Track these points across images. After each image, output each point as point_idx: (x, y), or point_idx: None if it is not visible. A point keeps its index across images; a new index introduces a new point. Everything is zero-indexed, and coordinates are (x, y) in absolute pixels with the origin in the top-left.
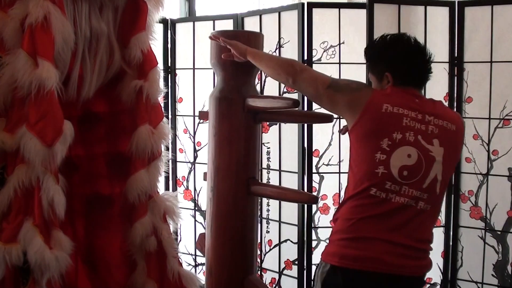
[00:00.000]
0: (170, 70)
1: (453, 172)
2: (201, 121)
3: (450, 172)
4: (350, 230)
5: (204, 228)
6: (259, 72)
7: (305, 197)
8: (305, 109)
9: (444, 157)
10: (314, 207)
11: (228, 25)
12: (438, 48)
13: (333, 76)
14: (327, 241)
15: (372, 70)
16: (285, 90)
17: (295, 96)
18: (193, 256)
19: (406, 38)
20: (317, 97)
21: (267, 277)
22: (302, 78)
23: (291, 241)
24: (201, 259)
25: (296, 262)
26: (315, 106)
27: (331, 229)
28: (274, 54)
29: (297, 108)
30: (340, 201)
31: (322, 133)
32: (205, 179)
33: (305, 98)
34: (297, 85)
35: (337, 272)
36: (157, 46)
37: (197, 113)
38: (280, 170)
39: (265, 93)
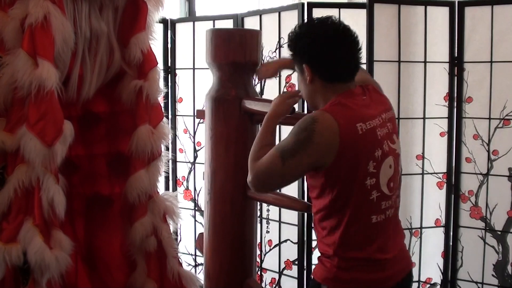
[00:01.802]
0: (170, 70)
1: None
2: (201, 120)
3: None
4: (358, 260)
5: None
6: None
7: (298, 205)
8: (305, 111)
9: (400, 147)
10: None
11: (228, 25)
12: (438, 48)
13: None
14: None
15: (294, 60)
16: (285, 91)
17: None
18: (193, 256)
19: (326, 22)
20: (283, 179)
21: (267, 277)
22: (254, 181)
23: (291, 241)
24: (201, 259)
25: (296, 262)
26: None
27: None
28: (274, 56)
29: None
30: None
31: None
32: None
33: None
34: (258, 191)
35: None
36: (157, 46)
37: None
38: None
39: (266, 94)
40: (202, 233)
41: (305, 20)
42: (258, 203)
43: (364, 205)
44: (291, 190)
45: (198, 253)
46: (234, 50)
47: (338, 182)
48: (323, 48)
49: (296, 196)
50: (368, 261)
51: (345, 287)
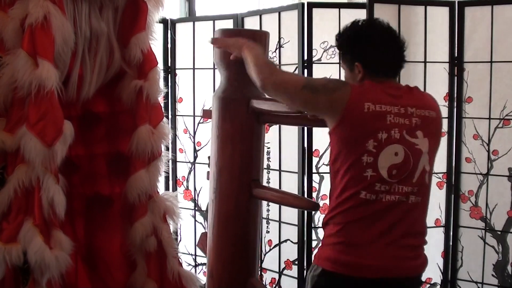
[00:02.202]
0: (170, 70)
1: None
2: (201, 120)
3: (434, 160)
4: (342, 235)
5: (204, 228)
6: None
7: (304, 204)
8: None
9: (429, 147)
10: None
11: (228, 25)
12: (438, 48)
13: (327, 76)
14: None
15: (343, 59)
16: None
17: None
18: (193, 256)
19: (377, 24)
20: (290, 100)
21: (267, 277)
22: (271, 81)
23: (291, 241)
24: (201, 259)
25: (296, 262)
26: None
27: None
28: (274, 57)
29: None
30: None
31: (322, 133)
32: (208, 178)
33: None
34: (266, 89)
35: (329, 276)
36: (157, 46)
37: (197, 113)
38: (280, 170)
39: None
40: (205, 233)
41: (353, 23)
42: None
43: (356, 178)
44: (290, 188)
45: (198, 253)
46: None
47: (338, 146)
48: (376, 48)
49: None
50: (343, 236)
51: (322, 263)
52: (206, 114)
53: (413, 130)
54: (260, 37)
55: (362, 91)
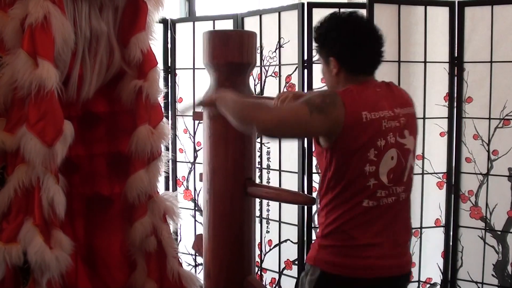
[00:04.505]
0: (170, 70)
1: None
2: (201, 121)
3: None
4: (342, 238)
5: None
6: (259, 72)
7: (300, 199)
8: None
9: (414, 144)
10: (314, 207)
11: (228, 25)
12: (438, 48)
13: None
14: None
15: (320, 52)
16: (285, 90)
17: None
18: (193, 256)
19: (354, 17)
20: (305, 131)
21: (267, 277)
22: (273, 120)
23: (291, 241)
24: (201, 259)
25: (296, 262)
26: None
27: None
28: (274, 56)
29: None
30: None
31: None
32: (201, 180)
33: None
34: (270, 130)
35: (330, 278)
36: (157, 46)
37: None
38: (280, 170)
39: (266, 94)
40: (199, 234)
41: (331, 15)
42: (258, 203)
43: (359, 189)
44: (290, 188)
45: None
46: (232, 51)
47: (337, 161)
48: (351, 43)
49: None
50: (344, 240)
51: (322, 266)
52: (197, 116)
53: (402, 130)
54: (248, 38)
55: (355, 99)
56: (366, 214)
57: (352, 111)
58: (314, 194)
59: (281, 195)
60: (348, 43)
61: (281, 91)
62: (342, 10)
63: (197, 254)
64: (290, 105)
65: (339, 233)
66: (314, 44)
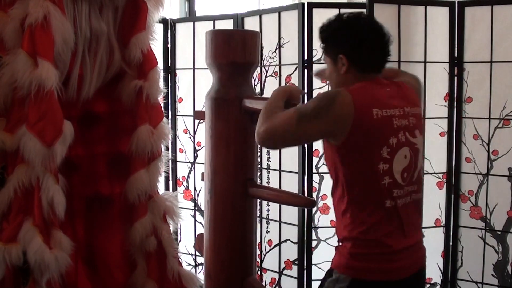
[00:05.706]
0: (170, 70)
1: None
2: (201, 120)
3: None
4: (377, 246)
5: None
6: (259, 72)
7: (302, 201)
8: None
9: (422, 143)
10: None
11: (228, 25)
12: (438, 48)
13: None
14: (328, 241)
15: (327, 51)
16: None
17: None
18: (193, 256)
19: (364, 17)
20: (294, 139)
21: (267, 277)
22: (263, 131)
23: (291, 241)
24: (201, 259)
25: (296, 262)
26: None
27: (333, 230)
28: (274, 57)
29: None
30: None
31: None
32: (203, 179)
33: (305, 97)
34: (262, 140)
35: (362, 285)
36: (157, 46)
37: None
38: (280, 170)
39: (266, 94)
40: (201, 234)
41: (338, 16)
42: (258, 203)
43: (375, 188)
44: (290, 188)
45: (198, 253)
46: (234, 51)
47: (349, 160)
48: (362, 40)
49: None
50: (377, 247)
51: (354, 274)
52: (198, 115)
53: (412, 130)
54: (252, 38)
55: (365, 96)
56: (389, 217)
57: (362, 107)
58: (314, 195)
59: (282, 197)
60: (359, 41)
61: None
62: (342, 10)
63: (198, 254)
64: (280, 116)
65: (371, 241)
66: (321, 45)
